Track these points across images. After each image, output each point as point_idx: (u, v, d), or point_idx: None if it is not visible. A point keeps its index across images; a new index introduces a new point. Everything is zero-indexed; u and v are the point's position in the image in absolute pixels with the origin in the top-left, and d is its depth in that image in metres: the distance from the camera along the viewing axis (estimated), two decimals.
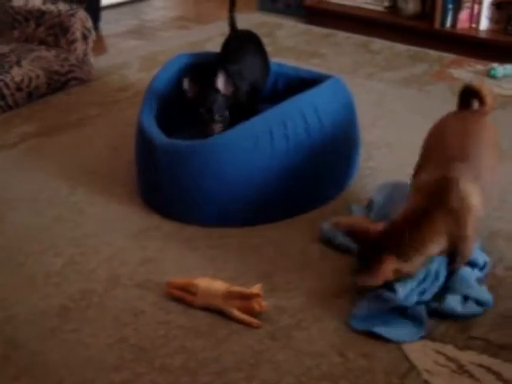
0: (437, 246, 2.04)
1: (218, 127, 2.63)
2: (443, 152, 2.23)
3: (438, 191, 2.07)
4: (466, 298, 2.10)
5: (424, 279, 2.10)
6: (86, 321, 2.08)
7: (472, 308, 2.09)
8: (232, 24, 3.27)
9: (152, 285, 2.21)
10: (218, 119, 2.64)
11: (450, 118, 2.40)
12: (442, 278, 2.13)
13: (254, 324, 2.03)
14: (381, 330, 2.00)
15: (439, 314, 2.07)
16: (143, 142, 2.58)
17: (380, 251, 1.98)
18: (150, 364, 1.91)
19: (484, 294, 2.13)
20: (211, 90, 2.67)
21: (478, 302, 2.10)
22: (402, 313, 2.06)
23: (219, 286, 2.08)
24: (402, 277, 2.04)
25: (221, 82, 2.66)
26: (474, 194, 2.07)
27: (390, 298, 2.04)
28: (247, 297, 2.04)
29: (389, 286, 2.05)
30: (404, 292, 2.04)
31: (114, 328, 2.04)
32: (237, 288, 2.07)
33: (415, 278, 2.07)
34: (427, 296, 2.09)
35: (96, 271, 2.28)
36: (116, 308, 2.12)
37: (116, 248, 2.40)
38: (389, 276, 1.99)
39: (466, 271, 2.18)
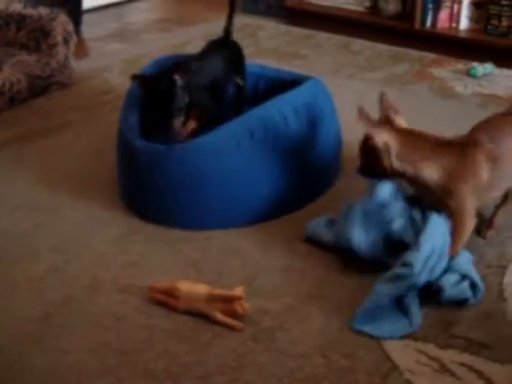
0: (427, 170, 2.15)
1: (178, 122, 2.59)
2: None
3: (467, 144, 2.20)
4: (463, 278, 2.14)
5: (430, 256, 2.10)
6: (68, 327, 2.07)
7: (463, 290, 2.11)
8: (227, 30, 3.27)
9: (134, 289, 2.20)
10: (177, 113, 2.58)
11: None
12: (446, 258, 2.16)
13: (237, 327, 2.04)
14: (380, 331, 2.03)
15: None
16: (124, 145, 2.58)
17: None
18: (133, 368, 1.91)
19: (478, 278, 2.16)
20: (166, 82, 2.57)
21: (473, 285, 2.13)
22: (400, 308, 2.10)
23: (201, 289, 2.08)
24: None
25: (178, 75, 2.59)
26: (482, 165, 2.17)
27: (406, 273, 2.06)
28: (230, 300, 2.04)
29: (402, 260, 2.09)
30: (419, 267, 2.06)
31: (97, 333, 2.04)
32: (219, 291, 2.07)
33: (421, 252, 2.09)
34: (436, 274, 2.11)
35: (78, 277, 2.28)
36: (98, 313, 2.12)
37: (98, 253, 2.40)
38: (389, 160, 2.15)
39: (466, 253, 2.22)
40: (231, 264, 2.32)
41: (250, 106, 2.70)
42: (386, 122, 2.20)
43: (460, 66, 4.09)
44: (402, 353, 1.95)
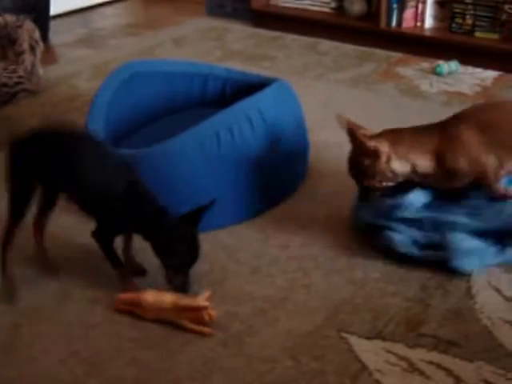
0: (423, 160, 2.23)
1: None
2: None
3: (447, 122, 2.30)
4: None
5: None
6: (37, 336, 2.07)
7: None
8: None
9: (103, 297, 2.20)
10: None
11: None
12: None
13: (206, 333, 2.04)
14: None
15: None
16: None
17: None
18: (103, 377, 1.90)
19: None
20: None
21: None
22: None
23: (168, 299, 2.07)
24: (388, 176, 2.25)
25: None
26: (473, 141, 2.23)
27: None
28: (196, 309, 2.04)
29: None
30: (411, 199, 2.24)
31: (66, 342, 2.03)
32: (185, 301, 2.06)
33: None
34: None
35: (47, 286, 2.27)
36: (67, 322, 2.11)
37: (67, 262, 2.39)
38: (384, 168, 2.22)
39: None
40: (199, 269, 2.31)
41: (217, 109, 2.69)
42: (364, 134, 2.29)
43: (426, 64, 4.11)
44: (371, 353, 1.96)
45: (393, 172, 2.25)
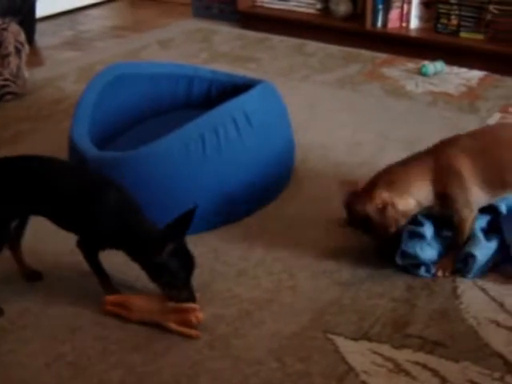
0: (424, 192, 2.20)
1: None
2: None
3: (440, 150, 2.26)
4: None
5: None
6: (22, 341, 2.06)
7: None
8: None
9: (88, 300, 2.19)
10: None
11: None
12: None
13: (193, 335, 2.04)
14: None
15: None
16: (75, 155, 2.56)
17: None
18: (88, 381, 1.90)
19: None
20: None
21: None
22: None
23: (155, 301, 2.08)
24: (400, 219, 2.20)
25: None
26: (466, 168, 2.20)
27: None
28: (184, 311, 2.04)
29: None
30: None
31: (51, 346, 2.02)
32: (172, 303, 2.06)
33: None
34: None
35: (32, 290, 2.26)
36: (53, 326, 2.10)
37: (51, 265, 2.38)
38: (394, 215, 2.17)
39: None
40: None
41: (203, 111, 2.69)
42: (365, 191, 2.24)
43: (411, 64, 4.12)
44: (357, 354, 1.96)
45: (402, 213, 2.21)
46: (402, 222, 2.22)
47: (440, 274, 2.25)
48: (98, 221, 2.09)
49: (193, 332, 2.04)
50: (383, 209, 2.17)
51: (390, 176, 2.24)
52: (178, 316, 2.04)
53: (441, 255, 2.28)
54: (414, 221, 2.26)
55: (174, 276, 2.04)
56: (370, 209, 2.18)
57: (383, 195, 2.18)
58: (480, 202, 2.25)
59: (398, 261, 2.25)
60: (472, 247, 2.24)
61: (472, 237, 2.26)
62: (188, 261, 2.07)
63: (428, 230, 2.26)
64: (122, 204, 2.10)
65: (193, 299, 2.07)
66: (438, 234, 2.31)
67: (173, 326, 2.04)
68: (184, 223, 2.01)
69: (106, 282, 2.19)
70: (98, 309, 2.14)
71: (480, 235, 2.27)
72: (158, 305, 2.06)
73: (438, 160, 2.22)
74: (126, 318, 2.09)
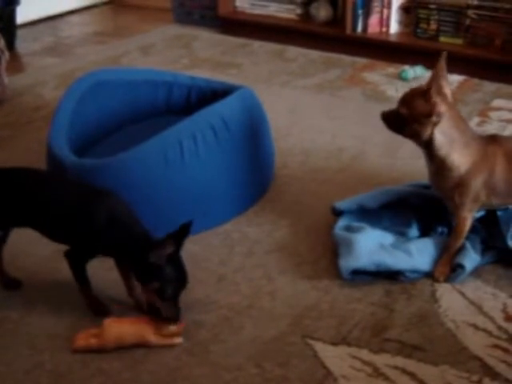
0: (458, 155, 2.17)
1: None
2: None
3: (492, 141, 2.24)
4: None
5: None
6: (1, 348, 2.05)
7: None
8: None
9: (67, 308, 2.19)
10: None
11: None
12: None
13: (176, 344, 2.03)
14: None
15: None
16: (53, 162, 2.56)
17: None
18: None
19: None
20: None
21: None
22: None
23: (129, 324, 2.05)
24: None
25: None
26: (498, 170, 2.19)
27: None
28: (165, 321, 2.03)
29: None
30: None
31: (30, 355, 2.02)
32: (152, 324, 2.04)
33: None
34: None
35: (10, 298, 2.26)
36: (31, 334, 2.10)
37: (30, 273, 2.37)
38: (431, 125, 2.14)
39: None
40: None
41: (182, 117, 2.69)
42: (441, 91, 2.15)
43: (391, 69, 4.14)
44: (336, 359, 1.96)
45: (429, 139, 2.17)
46: (416, 140, 2.21)
47: (442, 279, 2.26)
48: (93, 233, 2.06)
49: (175, 340, 2.03)
50: (429, 113, 2.12)
51: (462, 125, 2.20)
52: (158, 328, 2.02)
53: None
54: None
55: (164, 283, 1.99)
56: (423, 104, 2.12)
57: (442, 108, 2.13)
58: (486, 206, 2.28)
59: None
60: (461, 258, 2.26)
61: (461, 248, 2.28)
62: (181, 273, 2.03)
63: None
64: (116, 213, 2.07)
65: (177, 317, 2.03)
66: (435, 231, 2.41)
67: (154, 340, 2.01)
68: (183, 234, 1.99)
69: (88, 291, 2.17)
70: (77, 316, 2.14)
71: (469, 246, 2.29)
72: (135, 323, 2.04)
73: (487, 147, 2.21)
74: (102, 349, 2.01)
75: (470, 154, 2.18)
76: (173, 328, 2.02)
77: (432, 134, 2.15)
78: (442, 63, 2.16)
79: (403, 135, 2.23)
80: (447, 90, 2.17)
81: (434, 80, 2.10)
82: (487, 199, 2.23)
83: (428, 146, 2.19)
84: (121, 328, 2.02)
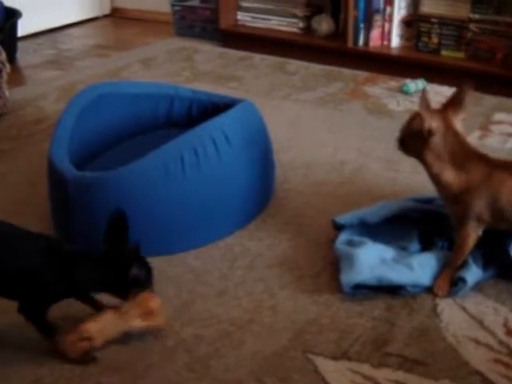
0: (448, 174, 2.18)
1: None
2: None
3: (501, 164, 2.21)
4: None
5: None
6: (1, 363, 2.04)
7: None
8: None
9: (68, 322, 2.16)
10: None
11: None
12: None
13: (160, 324, 2.03)
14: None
15: None
16: (54, 176, 2.56)
17: None
18: None
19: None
20: None
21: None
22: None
23: (110, 314, 2.03)
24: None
25: None
26: (504, 197, 2.17)
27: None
28: (142, 302, 2.02)
29: None
30: None
31: (30, 369, 2.00)
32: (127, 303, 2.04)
33: None
34: None
35: (10, 312, 2.23)
36: (31, 348, 2.08)
37: None
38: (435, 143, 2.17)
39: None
40: (166, 292, 2.30)
41: (183, 130, 2.69)
42: (440, 112, 2.20)
43: (393, 83, 4.14)
44: (336, 374, 1.95)
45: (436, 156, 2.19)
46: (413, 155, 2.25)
47: (441, 294, 2.25)
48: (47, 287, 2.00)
49: (159, 320, 2.03)
50: (420, 131, 2.15)
51: (458, 143, 2.20)
52: (138, 310, 2.01)
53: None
54: None
55: (143, 283, 2.03)
56: (416, 123, 2.16)
57: (433, 124, 2.15)
58: (494, 228, 2.26)
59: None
60: (463, 272, 2.26)
61: (464, 262, 2.28)
62: (146, 263, 2.08)
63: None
64: (75, 260, 2.00)
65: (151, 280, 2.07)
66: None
67: (138, 323, 2.01)
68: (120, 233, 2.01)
69: (53, 335, 2.05)
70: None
71: (471, 261, 2.28)
72: (114, 313, 2.03)
73: (492, 169, 2.18)
74: (92, 347, 2.01)
75: (465, 174, 2.18)
76: (153, 304, 2.02)
77: (424, 151, 2.18)
78: (426, 95, 2.25)
79: (409, 155, 2.29)
80: (455, 115, 2.21)
81: (424, 98, 2.17)
82: (494, 222, 2.22)
83: (424, 164, 2.23)
84: (102, 322, 2.02)
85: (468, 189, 2.17)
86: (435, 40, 4.34)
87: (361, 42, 4.52)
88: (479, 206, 2.18)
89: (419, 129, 2.15)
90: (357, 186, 2.95)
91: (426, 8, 4.36)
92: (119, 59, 4.87)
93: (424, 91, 2.19)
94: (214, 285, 2.36)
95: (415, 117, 2.19)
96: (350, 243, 2.41)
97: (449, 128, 2.17)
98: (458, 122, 2.21)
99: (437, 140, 2.16)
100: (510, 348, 2.03)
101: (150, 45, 5.22)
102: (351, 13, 4.49)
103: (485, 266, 2.32)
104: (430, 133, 2.14)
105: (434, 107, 2.23)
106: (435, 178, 2.23)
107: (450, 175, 2.18)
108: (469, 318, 2.16)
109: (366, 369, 1.97)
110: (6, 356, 2.07)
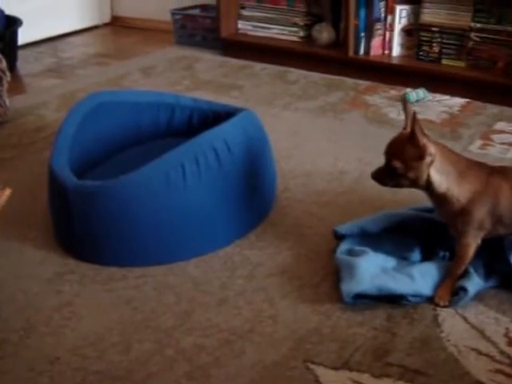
0: (458, 188, 2.17)
1: None
2: None
3: (498, 171, 2.23)
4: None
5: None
6: (0, 372, 2.03)
7: None
8: None
9: (68, 330, 2.17)
10: None
11: None
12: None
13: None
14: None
15: None
16: (54, 184, 2.56)
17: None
18: None
19: None
20: None
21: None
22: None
23: None
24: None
25: None
26: (505, 203, 2.18)
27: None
28: None
29: None
30: None
31: (29, 378, 1.99)
32: None
33: None
34: None
35: (10, 320, 2.24)
36: (31, 357, 2.08)
37: (31, 294, 2.36)
38: (422, 171, 2.16)
39: None
40: (166, 301, 2.30)
41: (184, 139, 2.69)
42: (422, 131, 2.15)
43: (394, 92, 4.15)
44: None
45: (427, 180, 2.18)
46: (413, 185, 2.21)
47: (442, 304, 2.25)
48: None
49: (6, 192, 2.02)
50: (422, 156, 2.12)
51: (452, 154, 2.21)
52: None
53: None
54: None
55: None
56: (417, 143, 2.11)
57: (432, 148, 2.13)
58: (492, 234, 2.26)
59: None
60: (465, 281, 2.25)
61: (465, 272, 2.27)
62: None
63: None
64: None
65: None
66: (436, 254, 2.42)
67: None
68: None
69: None
70: (78, 338, 2.12)
71: (472, 271, 2.28)
72: None
73: (489, 175, 2.20)
74: None
75: (468, 183, 2.18)
76: None
77: (429, 175, 2.16)
78: (409, 106, 2.24)
79: (400, 187, 2.24)
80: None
81: (415, 122, 2.10)
82: (493, 228, 2.22)
83: (428, 188, 2.21)
84: None
85: (472, 198, 2.18)
86: (436, 49, 4.35)
87: (361, 50, 4.53)
88: (481, 213, 2.18)
89: (420, 155, 2.13)
90: (357, 196, 2.94)
91: (426, 17, 4.37)
92: (119, 68, 4.87)
93: (415, 113, 2.15)
94: (215, 294, 2.35)
95: (412, 142, 2.11)
96: (351, 253, 2.40)
97: (437, 144, 2.18)
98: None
99: (437, 160, 2.15)
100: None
101: (151, 53, 5.23)
102: (352, 22, 4.49)
103: (486, 276, 2.32)
104: (432, 155, 2.14)
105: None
106: (442, 197, 2.20)
107: (457, 189, 2.18)
108: (470, 328, 2.15)
109: (366, 379, 1.96)
110: (6, 365, 2.05)
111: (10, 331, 2.19)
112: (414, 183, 2.19)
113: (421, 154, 2.12)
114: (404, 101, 2.28)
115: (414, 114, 2.12)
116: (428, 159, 2.13)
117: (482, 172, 2.21)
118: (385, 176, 2.22)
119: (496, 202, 2.18)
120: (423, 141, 2.10)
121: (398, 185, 2.22)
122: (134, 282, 2.41)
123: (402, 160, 2.15)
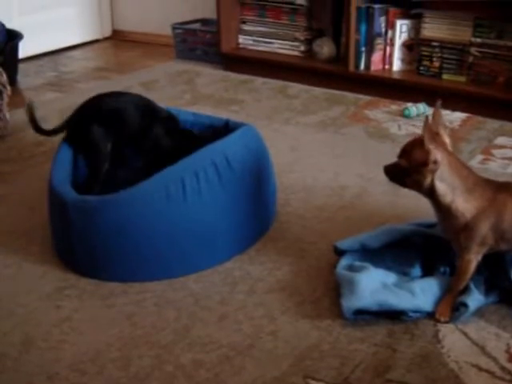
0: (462, 202, 2.16)
1: None
2: None
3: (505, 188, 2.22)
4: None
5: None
6: None
7: None
8: None
9: (67, 346, 2.17)
10: None
11: None
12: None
13: None
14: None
15: None
16: (54, 199, 2.56)
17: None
18: None
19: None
20: None
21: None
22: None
23: None
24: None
25: None
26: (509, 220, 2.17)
27: None
28: None
29: None
30: None
31: None
32: None
33: None
34: None
35: (10, 335, 2.23)
36: (30, 372, 2.07)
37: (30, 309, 2.35)
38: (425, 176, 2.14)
39: None
40: (166, 316, 2.30)
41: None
42: (437, 139, 2.14)
43: (394, 107, 4.15)
44: None
45: (430, 187, 2.17)
46: (416, 189, 2.20)
47: (442, 320, 2.24)
48: None
49: None
50: (425, 162, 2.11)
51: (464, 171, 2.19)
52: None
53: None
54: None
55: None
56: (419, 154, 2.11)
57: (438, 156, 2.11)
58: (494, 249, 2.25)
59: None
60: (465, 297, 2.25)
61: (465, 288, 2.27)
62: None
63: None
64: None
65: None
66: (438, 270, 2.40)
67: None
68: None
69: None
70: (77, 354, 2.11)
71: (472, 286, 2.27)
72: None
73: (496, 191, 2.19)
74: None
75: (474, 200, 2.16)
76: None
77: (432, 182, 2.15)
78: (439, 111, 2.20)
79: (405, 187, 2.23)
80: (446, 138, 2.18)
81: (428, 128, 2.09)
82: (495, 244, 2.21)
83: (431, 195, 2.19)
84: None
85: (476, 214, 2.17)
86: (437, 64, 4.36)
87: (362, 65, 4.55)
88: (485, 229, 2.17)
89: (424, 160, 2.12)
90: (358, 211, 2.94)
91: (427, 32, 4.38)
92: (120, 82, 4.87)
93: (427, 117, 2.15)
94: (215, 309, 2.35)
95: (421, 146, 2.11)
96: (351, 268, 2.40)
97: (450, 155, 2.17)
98: (448, 139, 2.20)
99: (444, 170, 2.14)
100: None
101: (151, 67, 5.23)
102: (353, 36, 4.51)
103: (487, 292, 2.31)
104: (436, 163, 2.13)
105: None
106: (446, 209, 2.19)
107: (463, 204, 2.17)
108: (471, 343, 2.14)
109: None
110: (5, 380, 2.05)
111: (9, 346, 2.18)
112: (418, 186, 2.18)
113: (424, 159, 2.11)
114: (436, 106, 2.24)
115: (427, 118, 2.11)
116: (431, 166, 2.12)
117: (489, 188, 2.19)
118: (393, 172, 2.23)
119: (500, 218, 2.17)
120: (429, 147, 2.09)
121: (403, 184, 2.22)
122: (134, 298, 2.40)
123: (408, 160, 2.16)
